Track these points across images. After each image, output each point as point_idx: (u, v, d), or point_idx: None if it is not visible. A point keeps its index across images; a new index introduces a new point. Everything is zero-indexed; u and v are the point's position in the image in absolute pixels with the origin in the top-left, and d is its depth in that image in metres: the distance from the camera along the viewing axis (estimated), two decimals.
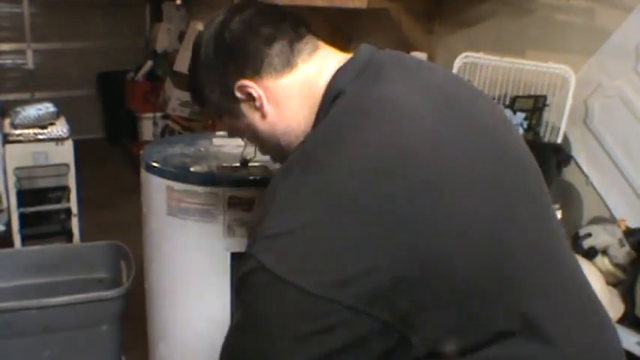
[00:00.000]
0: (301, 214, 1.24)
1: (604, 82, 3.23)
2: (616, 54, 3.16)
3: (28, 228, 4.75)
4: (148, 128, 8.20)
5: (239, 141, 2.63)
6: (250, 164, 2.41)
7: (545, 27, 3.55)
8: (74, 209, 4.86)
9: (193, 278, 2.41)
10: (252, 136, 1.67)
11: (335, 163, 1.27)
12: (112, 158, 8.58)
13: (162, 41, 8.66)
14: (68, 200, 4.85)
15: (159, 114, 8.01)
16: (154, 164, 2.38)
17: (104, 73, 9.19)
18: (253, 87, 1.53)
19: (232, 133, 1.76)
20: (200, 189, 2.28)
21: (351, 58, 1.53)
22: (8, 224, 4.71)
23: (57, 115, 4.83)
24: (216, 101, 1.63)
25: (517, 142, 1.52)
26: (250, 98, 1.56)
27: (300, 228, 1.22)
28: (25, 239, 4.71)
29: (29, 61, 9.08)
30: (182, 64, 7.19)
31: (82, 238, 4.90)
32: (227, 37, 1.56)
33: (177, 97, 7.57)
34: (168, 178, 2.32)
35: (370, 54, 1.53)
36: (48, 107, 4.81)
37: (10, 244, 4.60)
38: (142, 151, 2.54)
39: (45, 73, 9.11)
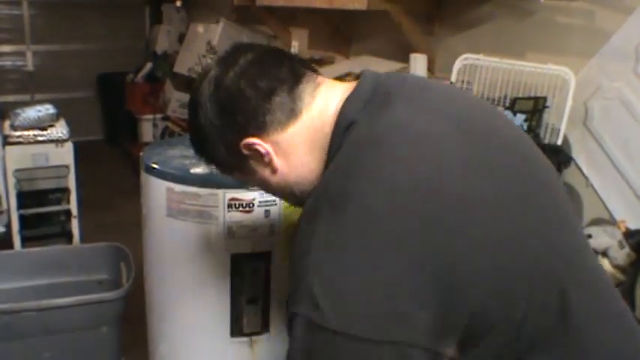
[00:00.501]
0: (344, 259, 1.20)
1: (604, 83, 3.23)
2: (616, 56, 3.16)
3: (28, 229, 4.74)
4: (147, 130, 8.19)
5: None
6: None
7: (545, 29, 3.55)
8: (74, 211, 4.86)
9: (193, 280, 2.41)
10: (266, 188, 1.63)
11: (364, 198, 1.24)
12: (111, 160, 8.57)
13: (162, 43, 8.66)
14: (68, 202, 4.85)
15: (159, 115, 8.01)
16: (154, 166, 2.38)
17: (104, 75, 9.19)
18: (260, 144, 1.48)
19: (245, 184, 1.78)
20: (200, 190, 2.28)
21: (357, 87, 1.47)
22: (8, 226, 4.71)
23: (57, 117, 4.82)
24: (223, 160, 1.59)
25: (539, 159, 1.48)
26: (258, 155, 1.51)
27: (347, 274, 1.19)
28: (25, 241, 4.71)
29: (29, 63, 9.09)
30: (182, 65, 7.19)
31: (82, 239, 4.89)
32: (224, 96, 1.50)
33: (177, 99, 7.57)
34: (168, 180, 2.32)
35: (375, 81, 1.48)
36: (48, 109, 4.81)
37: (10, 245, 4.60)
38: (141, 153, 2.54)
39: (45, 74, 9.12)
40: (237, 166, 1.58)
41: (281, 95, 1.47)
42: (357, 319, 1.16)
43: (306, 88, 1.50)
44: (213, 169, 1.69)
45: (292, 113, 1.47)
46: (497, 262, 1.22)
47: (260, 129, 1.48)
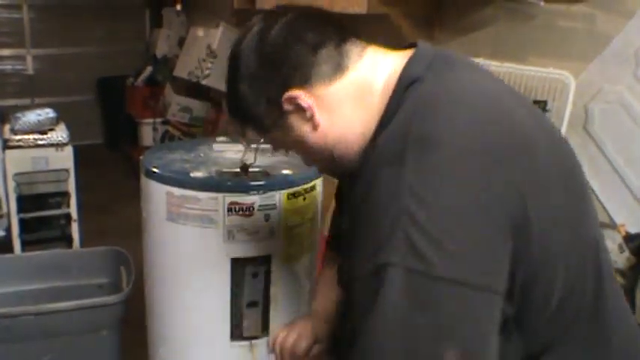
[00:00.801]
0: (440, 202, 1.18)
1: (604, 87, 3.23)
2: (616, 59, 3.16)
3: (28, 233, 4.75)
4: (147, 134, 8.20)
5: (239, 146, 2.64)
6: (250, 170, 2.41)
7: (546, 32, 3.55)
8: (74, 214, 4.86)
9: (193, 284, 2.41)
10: (301, 149, 1.58)
11: (452, 141, 1.22)
12: (111, 164, 8.58)
13: (162, 47, 8.67)
14: (68, 206, 4.85)
15: (159, 119, 8.02)
16: (154, 170, 2.38)
17: (104, 79, 9.20)
18: (302, 97, 1.44)
19: (277, 148, 1.68)
20: (200, 194, 2.28)
21: (417, 51, 1.45)
22: (8, 229, 4.72)
23: (57, 121, 4.83)
24: (261, 115, 1.52)
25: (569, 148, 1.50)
26: (299, 109, 1.47)
27: (445, 218, 1.18)
28: (25, 244, 4.71)
29: (29, 67, 9.10)
30: (182, 69, 7.19)
31: (82, 243, 4.90)
32: (268, 48, 1.47)
33: (177, 103, 7.58)
34: (168, 184, 2.32)
35: (432, 48, 1.47)
36: (48, 113, 4.82)
37: (10, 249, 4.61)
38: (141, 157, 2.54)
39: (45, 78, 9.13)
40: (275, 123, 1.52)
41: (328, 48, 1.45)
42: (456, 264, 1.15)
43: (352, 48, 1.47)
44: (249, 130, 1.63)
45: (339, 68, 1.45)
46: (564, 218, 1.28)
47: (304, 82, 1.44)
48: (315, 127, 1.48)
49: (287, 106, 1.47)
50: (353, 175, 1.48)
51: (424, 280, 1.15)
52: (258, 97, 1.49)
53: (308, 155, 1.61)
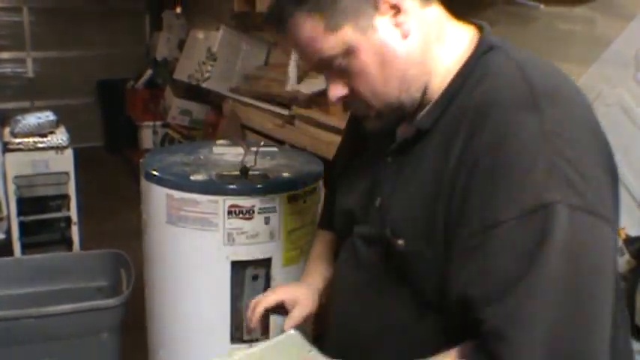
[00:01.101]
0: (582, 144, 1.25)
1: (604, 90, 3.23)
2: (616, 62, 3.16)
3: (28, 236, 4.75)
4: (147, 136, 8.21)
5: (239, 149, 2.64)
6: (250, 172, 2.41)
7: (546, 35, 3.55)
8: (74, 217, 4.86)
9: (193, 286, 2.41)
10: (372, 61, 1.39)
11: (575, 97, 1.34)
12: (111, 166, 8.58)
13: (162, 50, 8.67)
14: (68, 208, 4.85)
15: (159, 122, 8.02)
16: (154, 173, 2.38)
17: (104, 82, 9.21)
18: None
19: (323, 65, 1.45)
20: (200, 197, 2.28)
21: (486, 27, 1.46)
22: (8, 232, 4.71)
23: (57, 124, 4.83)
24: (345, 5, 1.34)
25: None
26: (393, 11, 1.34)
27: (589, 158, 1.24)
28: (25, 247, 4.71)
29: (29, 70, 9.11)
30: (182, 72, 7.19)
31: (82, 246, 4.90)
32: None
33: (177, 106, 7.58)
34: (168, 187, 2.32)
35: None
36: (48, 115, 4.81)
37: (10, 252, 4.60)
38: (141, 160, 2.54)
39: (45, 81, 9.14)
40: (357, 18, 1.35)
41: None
42: (602, 201, 1.23)
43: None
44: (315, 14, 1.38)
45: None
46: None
47: None
48: (404, 34, 1.36)
49: (382, 5, 1.33)
50: (389, 126, 1.49)
51: (585, 217, 1.18)
52: None
53: (375, 69, 1.40)
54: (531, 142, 1.21)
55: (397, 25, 1.35)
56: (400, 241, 1.42)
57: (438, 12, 1.43)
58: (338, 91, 1.47)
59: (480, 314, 1.21)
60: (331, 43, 1.39)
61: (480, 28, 1.46)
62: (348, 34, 1.36)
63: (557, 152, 1.19)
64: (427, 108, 1.43)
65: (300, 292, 1.94)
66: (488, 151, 1.25)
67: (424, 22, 1.38)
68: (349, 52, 1.39)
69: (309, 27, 1.39)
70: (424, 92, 1.43)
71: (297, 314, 1.88)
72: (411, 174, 1.44)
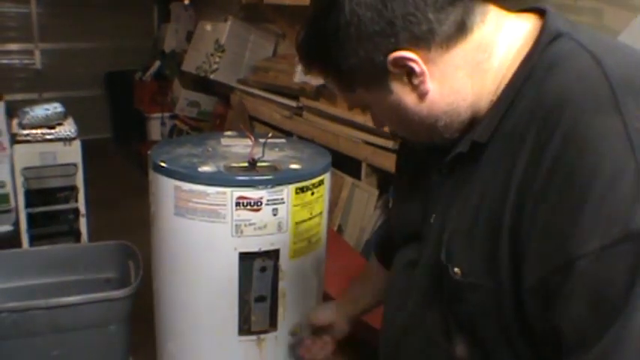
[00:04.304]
0: None
1: None
2: None
3: (36, 228, 4.76)
4: (155, 128, 8.23)
5: (247, 141, 2.64)
6: (258, 164, 2.41)
7: None
8: (82, 209, 4.87)
9: (201, 278, 2.41)
10: (394, 116, 1.35)
11: None
12: (119, 158, 8.60)
13: (170, 41, 8.69)
14: (76, 200, 4.86)
15: (167, 114, 8.05)
16: (162, 164, 2.37)
17: (112, 73, 9.23)
18: (416, 60, 1.21)
19: (354, 106, 1.43)
20: (208, 189, 2.27)
21: (552, 11, 1.28)
22: (16, 224, 4.73)
23: (65, 115, 4.83)
24: (355, 71, 1.27)
25: None
26: (406, 73, 1.24)
27: None
28: (33, 239, 4.72)
29: (37, 61, 9.12)
30: (190, 64, 7.20)
31: (90, 238, 4.90)
32: None
33: (185, 97, 7.59)
34: (177, 178, 2.32)
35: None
36: (56, 107, 4.81)
37: (18, 244, 4.62)
38: (149, 151, 2.54)
39: (53, 73, 9.16)
40: (369, 84, 1.30)
41: (456, 5, 1.21)
42: None
43: (477, 7, 1.25)
44: (325, 80, 1.38)
45: (463, 29, 1.23)
46: None
47: (420, 41, 1.20)
48: (421, 96, 1.27)
49: (392, 68, 1.24)
50: (443, 146, 1.36)
51: None
52: (356, 49, 1.24)
53: (398, 122, 1.38)
54: (614, 152, 1.02)
55: (413, 87, 1.26)
56: (457, 270, 1.27)
57: (478, 36, 1.25)
58: (376, 123, 1.46)
59: None
60: (350, 99, 1.39)
61: (542, 14, 1.29)
62: (362, 95, 1.33)
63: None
64: (484, 121, 1.28)
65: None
66: (561, 167, 1.07)
67: (450, 67, 1.25)
68: (369, 107, 1.39)
69: (328, 81, 1.38)
70: (472, 119, 1.32)
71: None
72: (470, 193, 1.28)
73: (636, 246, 0.97)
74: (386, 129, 1.52)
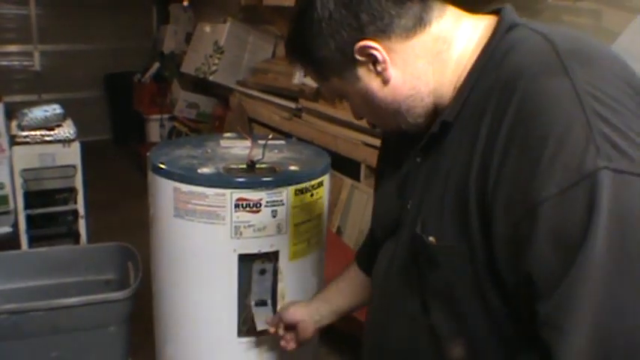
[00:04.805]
0: (618, 102, 1.15)
1: None
2: (623, 55, 3.15)
3: (35, 229, 4.76)
4: (154, 130, 8.24)
5: (246, 142, 2.64)
6: (258, 166, 2.42)
7: None
8: (81, 211, 4.87)
9: (201, 280, 2.42)
10: (362, 101, 1.49)
11: (607, 54, 1.28)
12: (119, 160, 8.61)
13: (170, 43, 8.69)
14: (75, 202, 4.86)
15: (166, 115, 8.06)
16: (161, 166, 2.38)
17: (111, 75, 9.24)
18: (379, 49, 1.37)
19: (332, 96, 1.60)
20: (207, 190, 2.28)
21: (508, 7, 1.41)
22: (15, 226, 4.72)
23: (64, 117, 4.83)
24: (327, 61, 1.43)
25: None
26: (371, 61, 1.39)
27: (626, 117, 1.14)
28: (32, 241, 4.72)
29: (36, 63, 9.13)
30: (189, 65, 7.20)
31: (89, 239, 4.91)
32: None
33: (184, 99, 7.60)
34: (176, 180, 2.32)
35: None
36: (55, 109, 4.82)
37: (17, 245, 4.61)
38: (149, 153, 2.54)
39: (52, 74, 9.16)
40: (340, 72, 1.45)
41: (412, 1, 1.36)
42: None
43: (435, 5, 1.40)
44: (309, 71, 1.55)
45: (421, 22, 1.37)
46: None
47: (383, 32, 1.36)
48: (385, 81, 1.42)
49: (358, 56, 1.39)
50: (409, 133, 1.50)
51: (636, 180, 1.09)
52: (328, 40, 1.40)
53: (368, 108, 1.52)
54: (564, 108, 1.14)
55: (377, 73, 1.41)
56: (431, 238, 1.39)
57: (436, 30, 1.40)
58: (354, 113, 1.62)
59: (535, 306, 1.16)
60: (326, 88, 1.55)
61: (499, 13, 1.42)
62: (335, 83, 1.49)
63: (593, 114, 1.12)
64: (450, 104, 1.40)
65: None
66: (519, 125, 1.19)
67: (410, 56, 1.40)
68: (342, 95, 1.54)
69: (308, 72, 1.56)
70: (436, 107, 1.45)
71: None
72: (441, 169, 1.40)
73: (589, 185, 1.08)
74: (366, 122, 1.68)
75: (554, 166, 1.12)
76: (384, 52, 1.37)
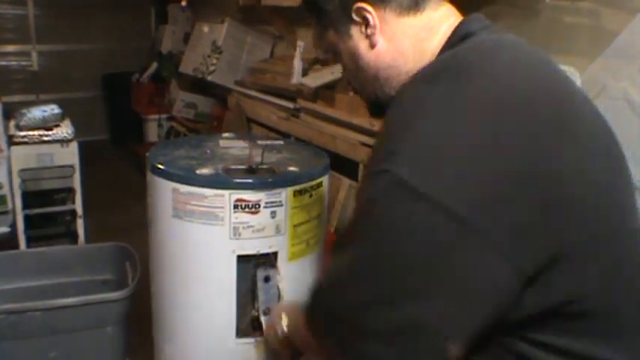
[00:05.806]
0: (457, 123, 1.22)
1: (609, 83, 3.22)
2: (621, 55, 3.15)
3: (33, 229, 4.75)
4: (153, 130, 8.23)
5: (245, 143, 2.64)
6: (256, 167, 2.42)
7: (550, 28, 3.55)
8: (79, 211, 4.86)
9: (199, 280, 2.42)
10: (349, 60, 1.66)
11: (491, 73, 1.30)
12: (117, 160, 8.60)
13: (168, 43, 8.68)
14: (73, 202, 4.84)
15: (164, 116, 8.04)
16: (160, 166, 2.38)
17: (109, 75, 9.22)
18: (372, 14, 1.54)
19: (328, 51, 1.74)
20: (206, 191, 2.28)
21: (476, 15, 1.57)
22: (13, 226, 4.71)
23: (62, 117, 4.82)
24: (329, 13, 1.62)
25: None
26: (364, 23, 1.57)
27: (455, 137, 1.21)
28: (30, 241, 4.71)
29: (34, 63, 9.11)
30: (187, 65, 7.19)
31: (87, 239, 4.90)
32: None
33: (182, 99, 7.58)
34: (174, 181, 2.32)
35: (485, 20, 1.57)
36: (53, 109, 4.81)
37: (15, 245, 4.60)
38: (147, 153, 2.54)
39: (50, 74, 9.15)
40: (338, 25, 1.62)
41: None
42: (450, 189, 1.17)
43: None
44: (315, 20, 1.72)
45: (415, 6, 1.54)
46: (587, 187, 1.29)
47: (381, 1, 1.54)
48: (372, 45, 1.58)
49: (355, 16, 1.56)
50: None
51: (406, 194, 1.19)
52: None
53: (354, 68, 1.66)
54: (404, 111, 1.32)
55: (366, 36, 1.58)
56: None
57: (427, 18, 1.55)
58: (343, 73, 1.80)
59: None
60: (324, 41, 1.71)
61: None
62: (331, 36, 1.67)
63: (415, 126, 1.24)
64: None
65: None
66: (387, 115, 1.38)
67: (398, 32, 1.56)
68: (335, 51, 1.69)
69: (313, 22, 1.73)
70: None
71: None
72: None
73: (374, 178, 1.25)
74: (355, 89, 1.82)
75: (380, 153, 1.30)
76: (376, 19, 1.54)
